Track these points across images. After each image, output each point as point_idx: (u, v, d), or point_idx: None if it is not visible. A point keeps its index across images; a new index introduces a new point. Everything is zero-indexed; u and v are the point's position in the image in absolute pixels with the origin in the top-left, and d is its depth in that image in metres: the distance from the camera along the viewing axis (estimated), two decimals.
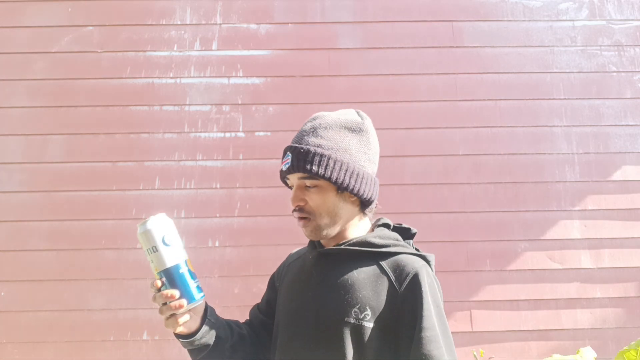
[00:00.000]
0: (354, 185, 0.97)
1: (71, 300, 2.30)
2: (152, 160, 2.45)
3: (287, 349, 1.00)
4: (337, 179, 0.96)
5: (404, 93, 2.56)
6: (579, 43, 2.63)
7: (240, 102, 2.53)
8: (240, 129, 2.50)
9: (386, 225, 1.08)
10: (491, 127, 2.53)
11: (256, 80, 2.56)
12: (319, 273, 1.02)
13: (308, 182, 0.98)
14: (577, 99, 2.57)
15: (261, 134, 2.50)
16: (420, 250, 1.04)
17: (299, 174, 0.98)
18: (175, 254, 0.91)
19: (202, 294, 0.93)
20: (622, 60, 2.61)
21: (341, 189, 0.97)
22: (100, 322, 2.29)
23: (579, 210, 2.45)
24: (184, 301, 0.89)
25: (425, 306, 0.89)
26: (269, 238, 2.37)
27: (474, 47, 2.61)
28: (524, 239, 2.42)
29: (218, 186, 2.44)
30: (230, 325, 1.08)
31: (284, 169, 1.00)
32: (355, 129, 1.02)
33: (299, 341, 0.98)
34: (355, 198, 1.01)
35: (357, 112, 1.07)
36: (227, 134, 2.50)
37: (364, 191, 1.00)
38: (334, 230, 1.00)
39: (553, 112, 2.55)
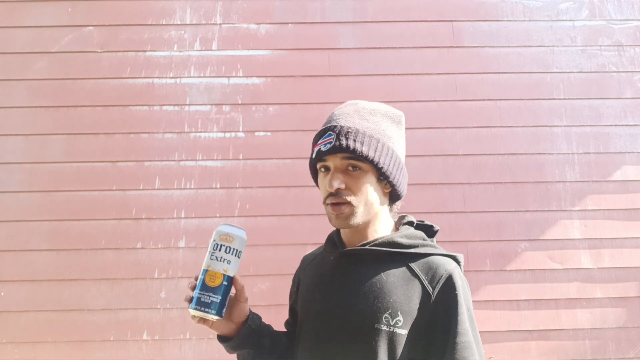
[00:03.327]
0: (394, 175, 0.93)
1: (71, 300, 2.30)
2: (152, 160, 2.45)
3: (313, 353, 0.93)
4: (383, 164, 0.90)
5: (404, 93, 2.56)
6: (579, 43, 2.63)
7: (240, 102, 2.53)
8: (240, 129, 2.50)
9: (410, 223, 1.02)
10: (491, 127, 2.53)
11: (256, 80, 2.56)
12: (342, 274, 0.95)
13: (351, 165, 0.90)
14: (577, 99, 2.56)
15: (261, 134, 2.50)
16: (443, 249, 0.99)
17: (344, 154, 0.89)
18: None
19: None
20: (622, 60, 2.61)
21: (383, 176, 0.92)
22: (100, 322, 2.28)
23: (579, 210, 2.45)
24: (189, 293, 0.92)
25: (459, 310, 0.85)
26: (269, 238, 2.36)
27: (474, 47, 2.61)
28: (524, 239, 2.42)
29: (218, 186, 2.44)
30: (280, 336, 1.06)
31: (323, 149, 0.90)
32: (395, 120, 0.98)
33: (326, 346, 0.91)
34: (389, 189, 0.96)
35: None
36: (227, 134, 2.50)
37: (401, 183, 0.96)
38: (363, 219, 0.92)
39: (553, 112, 2.55)
